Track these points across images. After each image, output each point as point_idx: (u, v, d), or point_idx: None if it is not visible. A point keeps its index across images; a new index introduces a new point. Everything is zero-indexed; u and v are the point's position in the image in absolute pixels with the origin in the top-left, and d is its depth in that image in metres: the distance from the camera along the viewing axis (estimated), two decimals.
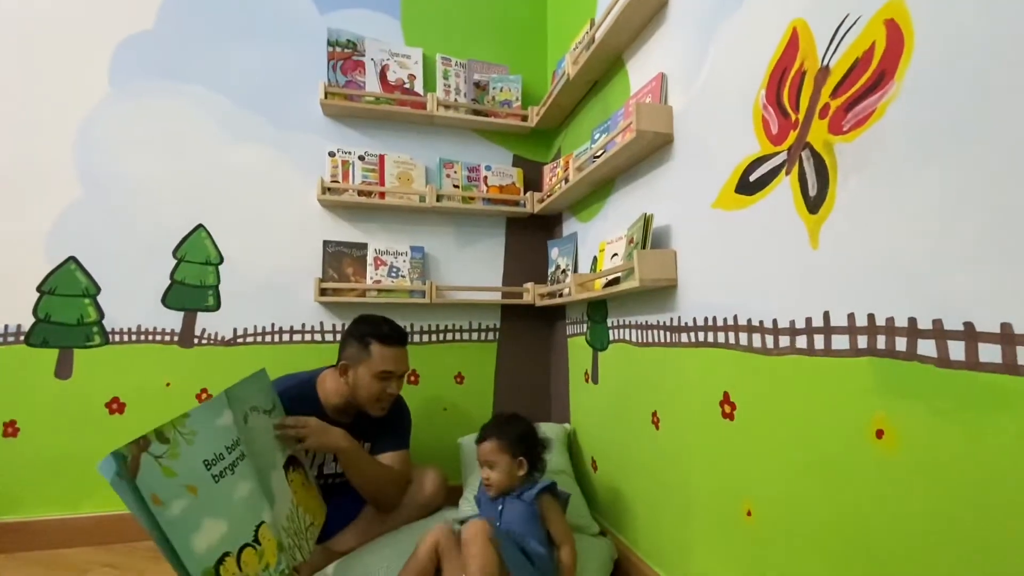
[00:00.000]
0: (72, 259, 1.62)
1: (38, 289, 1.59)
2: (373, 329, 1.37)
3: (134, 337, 1.66)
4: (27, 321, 1.58)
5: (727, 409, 1.01)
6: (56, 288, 1.61)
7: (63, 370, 1.60)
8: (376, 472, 1.33)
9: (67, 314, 1.61)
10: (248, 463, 0.97)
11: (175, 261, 1.70)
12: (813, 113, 0.82)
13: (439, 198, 1.87)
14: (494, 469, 1.22)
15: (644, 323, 1.33)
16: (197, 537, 0.80)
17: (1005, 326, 0.56)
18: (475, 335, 1.99)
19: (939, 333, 0.63)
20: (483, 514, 1.25)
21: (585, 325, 1.72)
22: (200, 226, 1.73)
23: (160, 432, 0.81)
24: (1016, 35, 0.56)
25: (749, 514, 0.95)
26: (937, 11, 0.64)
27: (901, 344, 0.68)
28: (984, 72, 0.59)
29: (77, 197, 1.64)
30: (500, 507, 1.22)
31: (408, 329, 1.89)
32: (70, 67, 1.66)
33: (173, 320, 1.69)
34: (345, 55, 1.85)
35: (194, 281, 1.72)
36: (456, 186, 1.94)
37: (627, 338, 1.42)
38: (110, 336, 1.64)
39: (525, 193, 1.99)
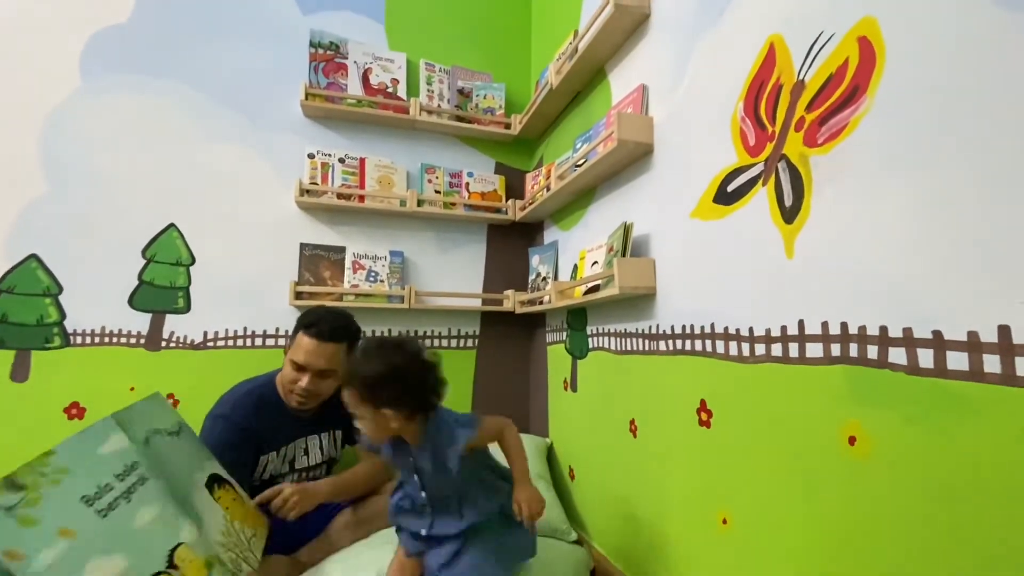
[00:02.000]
0: (33, 257, 1.56)
1: None
2: (308, 318, 1.30)
3: (97, 339, 1.59)
4: None
5: (704, 417, 1.02)
6: (15, 287, 1.53)
7: (19, 372, 1.52)
8: (360, 482, 1.37)
9: (26, 314, 1.53)
10: (152, 486, 0.90)
11: (144, 261, 1.65)
12: (789, 126, 0.84)
13: (420, 203, 1.86)
14: (360, 421, 0.97)
15: (623, 331, 1.33)
16: None
17: (972, 334, 0.58)
18: (454, 342, 1.97)
19: (909, 341, 0.64)
20: (402, 480, 1.07)
21: (565, 333, 1.72)
22: (172, 225, 1.68)
23: (11, 480, 0.74)
24: (983, 54, 0.59)
25: (725, 522, 0.95)
26: (908, 29, 0.66)
27: (873, 352, 0.69)
28: (953, 88, 0.61)
29: (41, 193, 1.58)
30: (416, 475, 1.01)
31: (386, 335, 1.87)
32: (39, 58, 1.60)
33: (140, 322, 1.63)
34: (327, 57, 1.83)
35: (164, 282, 1.66)
36: (438, 191, 1.93)
37: (606, 346, 1.43)
38: (71, 338, 1.57)
39: (507, 200, 1.99)
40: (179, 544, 0.88)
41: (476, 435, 0.99)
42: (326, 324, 1.29)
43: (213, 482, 1.10)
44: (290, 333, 1.34)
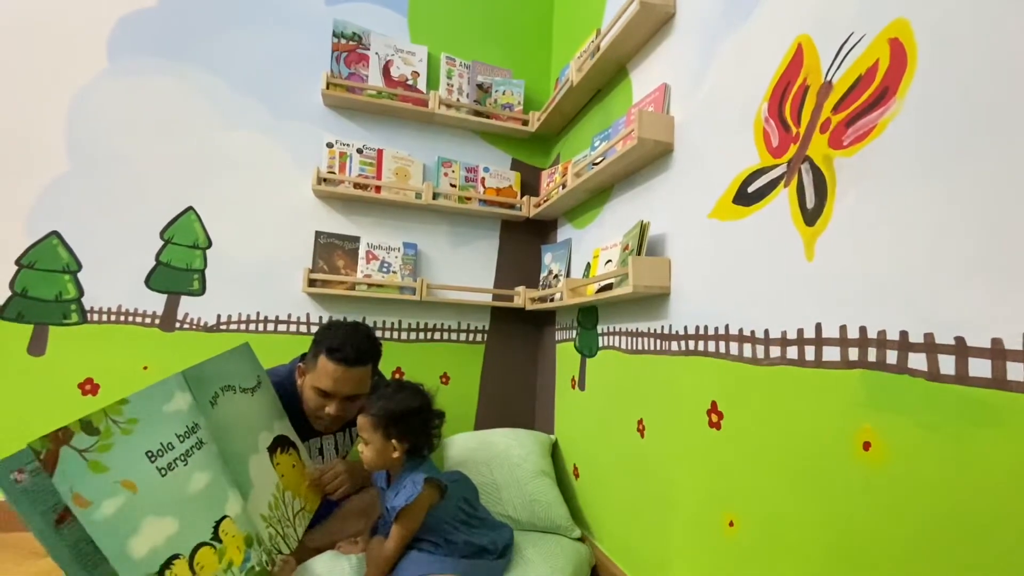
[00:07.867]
0: (55, 234, 1.58)
1: (16, 262, 1.55)
2: (329, 338, 1.23)
3: (114, 317, 1.62)
4: (2, 294, 1.53)
5: (714, 418, 1.01)
6: (36, 262, 1.56)
7: (36, 347, 1.55)
8: None
9: (45, 289, 1.56)
10: (207, 451, 0.89)
11: (162, 242, 1.67)
12: (814, 127, 0.83)
13: (435, 196, 1.86)
14: (367, 446, 1.13)
15: (635, 330, 1.33)
16: (135, 540, 0.72)
17: (996, 341, 0.57)
18: (463, 336, 1.97)
19: (930, 347, 0.64)
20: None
21: (575, 331, 1.72)
22: (190, 208, 1.70)
23: (87, 422, 0.73)
24: (1016, 57, 0.58)
25: (731, 524, 0.94)
26: (940, 32, 0.66)
27: (892, 357, 0.68)
28: (984, 93, 0.60)
29: (65, 171, 1.61)
30: (386, 502, 1.14)
31: (396, 326, 1.88)
32: (68, 39, 1.63)
33: (156, 302, 1.65)
34: (350, 47, 1.84)
35: (180, 264, 1.68)
36: (453, 185, 1.93)
37: (617, 345, 1.42)
38: (88, 315, 1.60)
39: (522, 197, 1.99)
40: (224, 517, 0.88)
41: (409, 504, 1.08)
42: (351, 348, 1.22)
43: (278, 445, 1.10)
44: (309, 351, 1.28)
